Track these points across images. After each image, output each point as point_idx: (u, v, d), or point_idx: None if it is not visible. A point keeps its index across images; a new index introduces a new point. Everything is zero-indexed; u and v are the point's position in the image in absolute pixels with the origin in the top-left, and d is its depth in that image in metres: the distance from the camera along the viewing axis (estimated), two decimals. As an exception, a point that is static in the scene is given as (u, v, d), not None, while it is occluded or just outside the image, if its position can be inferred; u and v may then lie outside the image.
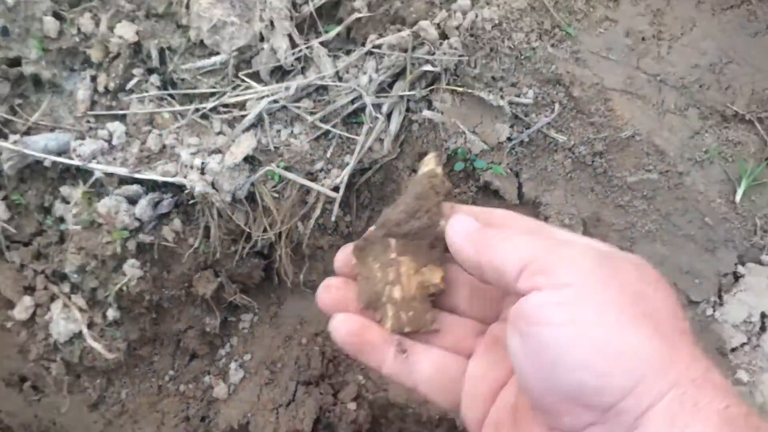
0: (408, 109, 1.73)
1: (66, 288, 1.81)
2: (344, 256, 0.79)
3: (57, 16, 1.73)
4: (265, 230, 1.77)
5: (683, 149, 1.64)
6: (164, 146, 1.74)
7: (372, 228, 0.78)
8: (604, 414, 0.54)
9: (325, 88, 1.72)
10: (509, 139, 1.64)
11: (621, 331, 0.55)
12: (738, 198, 1.64)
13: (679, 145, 1.64)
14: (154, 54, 1.74)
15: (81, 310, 1.79)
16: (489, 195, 1.71)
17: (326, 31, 1.75)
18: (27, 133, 1.74)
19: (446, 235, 0.72)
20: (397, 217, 0.76)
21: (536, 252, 0.61)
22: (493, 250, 0.64)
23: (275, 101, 1.70)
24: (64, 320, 1.77)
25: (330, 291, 0.77)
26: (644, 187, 1.64)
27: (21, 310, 1.77)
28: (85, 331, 1.77)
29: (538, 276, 0.59)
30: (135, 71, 1.76)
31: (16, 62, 1.74)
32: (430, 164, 0.78)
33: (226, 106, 1.74)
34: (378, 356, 0.75)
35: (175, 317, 1.91)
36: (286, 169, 1.71)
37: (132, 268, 1.73)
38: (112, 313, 1.80)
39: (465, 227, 0.71)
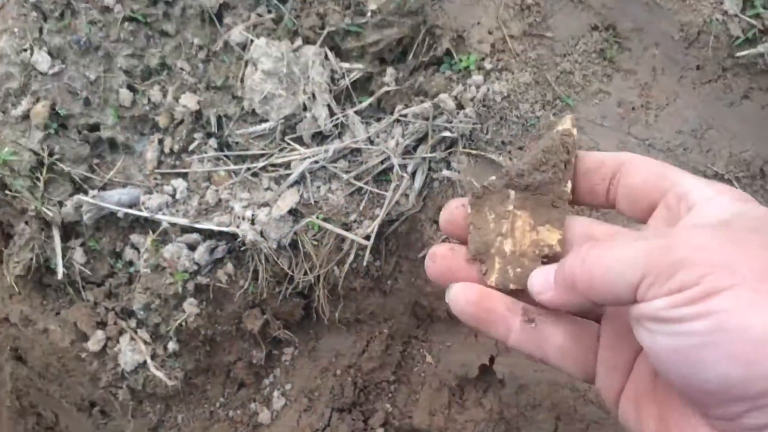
0: (430, 169, 1.83)
1: (133, 323, 1.93)
2: (448, 213, 0.74)
3: (131, 88, 1.86)
4: (305, 273, 1.86)
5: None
6: (220, 200, 1.86)
7: (493, 177, 0.72)
8: (756, 401, 0.48)
9: (358, 150, 1.84)
10: (518, 194, 1.80)
11: (759, 314, 0.47)
12: (720, 246, 1.77)
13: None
14: (213, 120, 1.87)
15: (145, 342, 1.92)
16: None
17: (360, 102, 1.87)
18: (103, 188, 1.86)
19: (530, 291, 0.66)
20: (520, 167, 0.70)
21: (643, 265, 0.53)
22: (593, 283, 0.57)
23: (316, 162, 1.82)
24: (131, 352, 1.89)
25: (435, 260, 0.72)
26: (637, 237, 1.78)
27: (94, 343, 1.89)
28: (149, 361, 1.90)
29: (656, 287, 0.52)
30: (196, 135, 1.89)
31: (95, 127, 1.87)
32: (566, 123, 0.70)
33: (273, 165, 1.86)
34: (502, 327, 0.68)
35: (226, 350, 2.01)
36: (324, 220, 1.82)
37: (190, 306, 1.85)
38: (172, 346, 1.92)
39: (544, 276, 0.65)
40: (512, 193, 0.70)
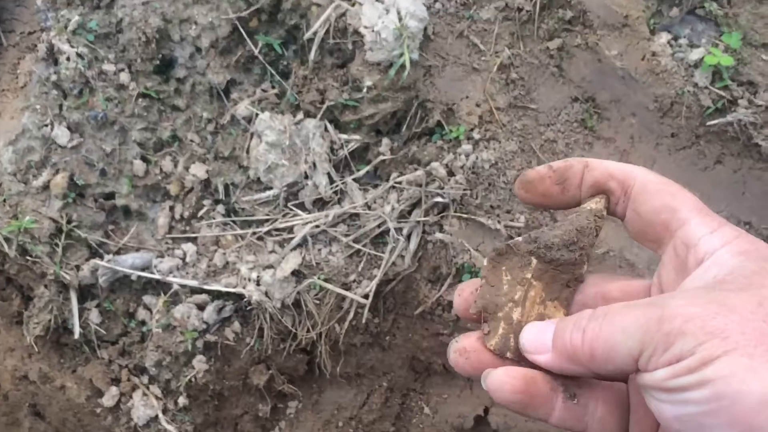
0: (424, 232, 1.91)
1: (145, 379, 2.01)
2: (464, 301, 0.71)
3: (144, 159, 1.97)
4: (308, 330, 1.94)
5: (650, 262, 1.85)
6: (227, 263, 1.95)
7: (520, 238, 0.70)
8: None
9: (356, 215, 1.93)
10: (507, 254, 1.87)
11: (755, 379, 0.48)
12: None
13: (646, 259, 1.85)
14: (221, 188, 1.97)
15: (157, 398, 1.99)
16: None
17: (358, 170, 1.96)
18: (118, 253, 1.95)
19: (521, 345, 0.66)
20: (550, 240, 0.68)
21: (641, 336, 0.54)
22: (594, 354, 0.58)
23: (317, 226, 1.91)
24: (143, 406, 1.98)
25: (468, 356, 0.68)
26: (620, 294, 1.83)
27: (108, 398, 1.98)
28: (160, 415, 1.98)
29: (655, 357, 0.53)
30: (205, 202, 1.99)
31: (110, 196, 1.96)
32: (600, 203, 0.68)
33: (277, 230, 1.95)
34: (546, 407, 0.65)
35: (233, 404, 2.08)
36: (325, 280, 1.90)
37: (199, 363, 1.93)
38: (182, 401, 1.99)
39: (537, 334, 0.65)
40: (534, 261, 0.69)
